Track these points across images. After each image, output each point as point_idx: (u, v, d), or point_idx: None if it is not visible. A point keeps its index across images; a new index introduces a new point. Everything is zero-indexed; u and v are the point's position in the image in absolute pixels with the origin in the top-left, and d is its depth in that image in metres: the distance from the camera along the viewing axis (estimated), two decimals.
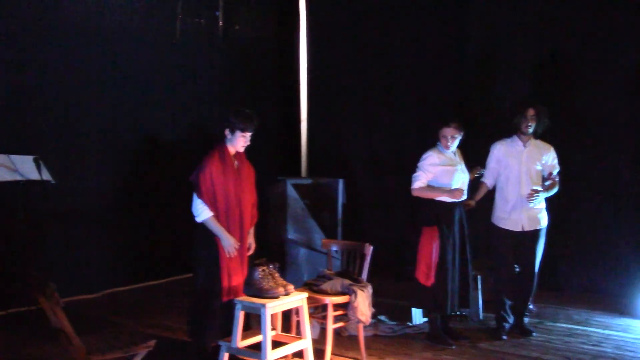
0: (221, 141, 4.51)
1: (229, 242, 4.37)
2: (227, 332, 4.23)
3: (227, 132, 4.47)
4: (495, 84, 7.26)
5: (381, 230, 7.86)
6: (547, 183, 5.31)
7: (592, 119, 6.75)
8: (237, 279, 4.41)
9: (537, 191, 5.17)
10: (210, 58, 8.05)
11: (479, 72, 7.43)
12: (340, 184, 7.13)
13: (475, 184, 5.48)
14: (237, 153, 4.56)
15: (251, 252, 4.66)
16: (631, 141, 6.57)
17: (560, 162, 5.40)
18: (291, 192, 6.78)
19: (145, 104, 7.24)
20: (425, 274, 5.03)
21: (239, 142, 4.47)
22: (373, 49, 8.20)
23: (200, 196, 4.36)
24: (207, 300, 4.39)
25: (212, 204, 4.37)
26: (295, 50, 8.72)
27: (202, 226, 4.41)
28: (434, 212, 5.05)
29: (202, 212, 4.38)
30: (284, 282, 4.17)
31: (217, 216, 4.39)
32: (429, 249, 5.02)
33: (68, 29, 6.46)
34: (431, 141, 5.17)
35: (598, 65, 6.70)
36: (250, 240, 4.66)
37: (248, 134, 4.46)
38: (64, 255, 6.41)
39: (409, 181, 5.15)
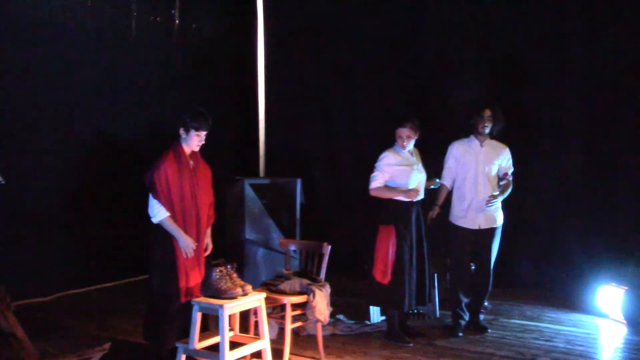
0: (176, 140, 4.47)
1: (185, 243, 4.33)
2: (185, 333, 4.19)
3: (181, 131, 4.43)
4: (452, 86, 7.36)
5: (339, 229, 7.88)
6: (502, 183, 5.43)
7: (544, 120, 6.91)
8: (195, 280, 4.36)
9: (494, 196, 5.28)
10: (166, 57, 7.94)
11: (436, 74, 7.53)
12: (299, 184, 7.12)
13: (434, 189, 5.56)
14: (193, 152, 4.51)
15: (208, 252, 4.62)
16: (581, 141, 6.75)
17: (513, 162, 5.52)
18: (249, 192, 6.75)
19: (100, 103, 7.10)
20: (382, 271, 5.08)
21: (194, 141, 4.43)
22: (331, 49, 8.22)
23: (155, 196, 4.31)
24: (163, 302, 4.34)
25: (168, 204, 4.32)
26: (253, 49, 8.68)
27: (159, 227, 4.35)
28: (390, 211, 5.10)
29: (158, 212, 4.32)
30: (242, 283, 4.16)
31: (173, 216, 4.34)
32: (386, 247, 5.07)
33: (18, 26, 6.27)
34: (389, 141, 5.22)
35: (549, 67, 6.86)
36: (207, 241, 4.62)
37: (202, 133, 4.43)
38: (14, 257, 6.22)
39: (367, 181, 5.19)
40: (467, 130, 5.46)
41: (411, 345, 5.10)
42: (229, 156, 8.68)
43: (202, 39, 8.47)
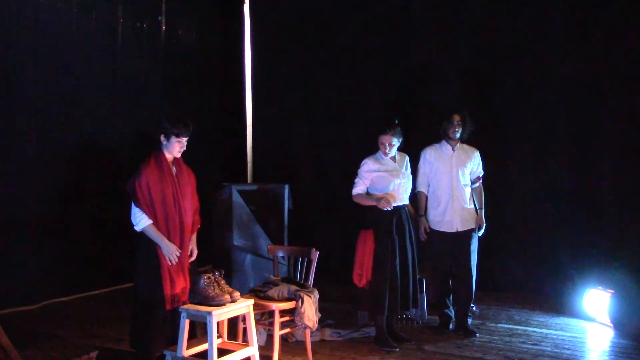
0: (157, 147, 4.45)
1: (168, 250, 4.30)
2: (172, 340, 4.16)
3: (162, 137, 4.42)
4: (433, 93, 7.40)
5: (327, 235, 7.89)
6: (474, 186, 5.59)
7: (529, 125, 6.95)
8: (180, 286, 4.34)
9: (482, 219, 5.51)
10: (152, 63, 7.91)
11: (419, 82, 7.56)
12: (286, 190, 7.12)
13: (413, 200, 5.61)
14: (175, 159, 4.50)
15: (193, 258, 4.59)
16: (566, 147, 6.80)
17: (499, 167, 5.59)
18: (237, 198, 6.74)
19: (85, 110, 7.06)
20: (358, 275, 5.15)
21: (175, 147, 4.41)
22: (317, 56, 8.25)
23: (137, 204, 4.29)
24: (149, 309, 4.31)
25: (151, 212, 4.30)
26: (240, 55, 8.68)
27: (142, 234, 4.33)
28: (371, 215, 5.14)
29: (140, 220, 4.30)
30: (230, 289, 4.15)
31: (156, 224, 4.31)
32: (362, 251, 5.13)
33: (3, 32, 6.23)
34: (376, 148, 5.25)
35: (532, 75, 6.92)
36: (192, 247, 4.60)
37: (183, 139, 4.41)
38: None
39: (352, 186, 5.23)
40: (439, 135, 5.58)
41: (398, 350, 5.10)
42: (217, 162, 8.66)
43: (189, 46, 8.46)
